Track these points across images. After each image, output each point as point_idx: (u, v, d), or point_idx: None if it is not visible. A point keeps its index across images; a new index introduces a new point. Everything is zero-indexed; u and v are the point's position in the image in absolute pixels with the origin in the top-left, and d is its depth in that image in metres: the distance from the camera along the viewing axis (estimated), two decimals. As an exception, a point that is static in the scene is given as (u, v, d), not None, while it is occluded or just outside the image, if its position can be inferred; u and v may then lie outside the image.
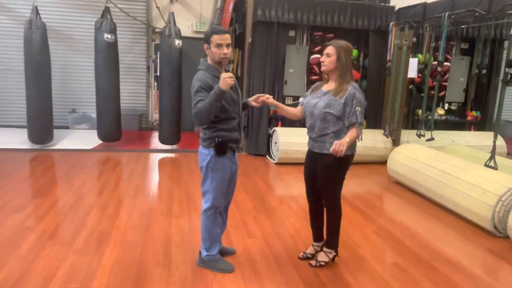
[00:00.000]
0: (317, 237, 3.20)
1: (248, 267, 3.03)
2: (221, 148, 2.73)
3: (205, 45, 2.70)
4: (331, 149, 2.66)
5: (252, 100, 2.99)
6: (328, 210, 3.00)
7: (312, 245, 3.23)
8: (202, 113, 2.60)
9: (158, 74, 8.15)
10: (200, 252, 3.04)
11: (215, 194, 2.83)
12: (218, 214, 2.93)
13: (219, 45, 2.65)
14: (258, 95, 2.99)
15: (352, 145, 2.85)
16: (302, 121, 3.18)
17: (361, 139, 2.85)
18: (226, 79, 2.53)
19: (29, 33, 6.08)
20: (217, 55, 2.68)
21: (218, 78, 2.63)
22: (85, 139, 7.21)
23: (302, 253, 3.20)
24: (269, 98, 2.94)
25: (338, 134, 2.81)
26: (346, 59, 2.81)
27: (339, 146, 2.62)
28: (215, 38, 2.65)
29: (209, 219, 2.90)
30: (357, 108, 2.75)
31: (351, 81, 2.85)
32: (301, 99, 3.15)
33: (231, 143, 2.80)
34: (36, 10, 6.13)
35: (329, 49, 2.83)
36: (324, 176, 2.92)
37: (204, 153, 2.79)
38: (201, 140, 2.82)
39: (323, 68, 2.90)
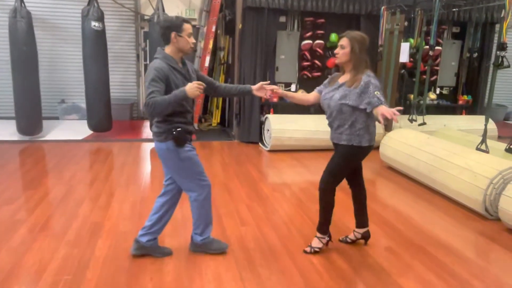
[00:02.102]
0: (357, 223, 3.23)
1: (242, 255, 3.03)
2: (181, 138, 2.66)
3: (173, 33, 2.60)
4: (382, 119, 2.55)
5: (256, 90, 2.95)
6: (322, 193, 3.00)
7: (354, 231, 3.27)
8: (157, 106, 2.48)
9: (148, 62, 8.06)
10: (192, 238, 3.04)
11: (196, 181, 2.81)
12: (208, 196, 2.89)
13: (190, 34, 2.64)
14: (261, 83, 2.96)
15: (370, 138, 2.88)
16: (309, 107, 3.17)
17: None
18: (196, 88, 2.49)
19: (14, 22, 5.95)
20: (189, 45, 2.66)
21: (175, 69, 2.61)
22: (75, 129, 7.13)
23: (308, 248, 3.10)
24: (278, 90, 2.95)
25: (353, 125, 2.82)
26: (360, 51, 2.80)
27: (388, 113, 2.51)
28: (188, 27, 2.64)
29: (205, 203, 2.88)
30: (376, 93, 2.71)
31: (366, 71, 2.82)
32: (317, 88, 3.12)
33: (187, 134, 2.73)
34: (20, -2, 5.99)
35: (343, 41, 2.82)
36: (334, 161, 2.96)
37: (163, 148, 2.70)
38: (156, 135, 2.71)
39: (337, 61, 2.91)
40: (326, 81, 3.09)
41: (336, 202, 3.07)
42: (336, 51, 2.89)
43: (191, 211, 2.95)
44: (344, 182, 3.14)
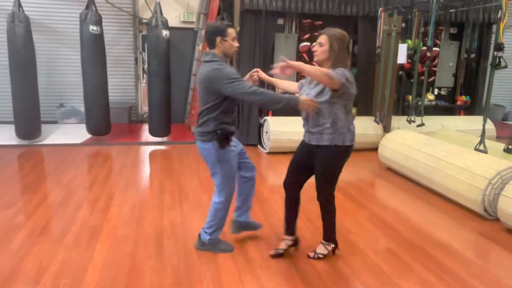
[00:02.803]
0: (290, 230, 3.07)
1: (242, 257, 3.03)
2: (224, 141, 2.79)
3: (218, 38, 2.74)
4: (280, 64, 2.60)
5: (246, 80, 2.99)
6: (322, 203, 2.94)
7: (284, 239, 3.09)
8: (266, 97, 2.67)
9: (146, 66, 8.07)
10: (199, 236, 3.11)
11: (230, 185, 2.95)
12: (229, 203, 3.02)
13: (234, 38, 2.79)
14: (249, 73, 3.03)
15: (352, 136, 2.82)
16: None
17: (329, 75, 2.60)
18: (311, 106, 2.67)
19: (12, 27, 5.94)
20: (233, 48, 2.80)
21: None
22: (74, 133, 7.13)
23: (273, 251, 3.03)
24: (258, 71, 2.92)
25: (335, 123, 2.72)
26: (340, 48, 2.70)
27: (286, 62, 2.58)
28: (231, 31, 2.78)
29: (224, 209, 3.00)
30: (338, 72, 2.62)
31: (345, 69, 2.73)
32: (301, 81, 3.07)
33: (230, 136, 2.86)
34: (18, 3, 5.99)
35: (322, 38, 2.73)
36: (322, 168, 2.84)
37: (207, 148, 2.83)
38: (201, 134, 2.83)
39: (315, 59, 2.79)
40: (303, 80, 3.03)
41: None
42: (314, 48, 2.78)
43: (208, 211, 3.07)
44: (342, 184, 3.13)
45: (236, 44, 2.81)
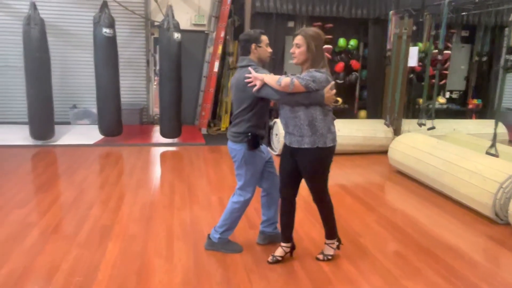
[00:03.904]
0: (287, 237, 3.02)
1: (250, 258, 3.05)
2: (254, 143, 2.87)
3: (253, 45, 2.85)
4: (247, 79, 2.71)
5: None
6: (318, 204, 2.95)
7: (281, 246, 3.03)
8: (298, 97, 2.67)
9: (157, 68, 8.15)
10: (209, 236, 3.16)
11: (252, 186, 3.02)
12: (246, 205, 3.08)
13: (267, 44, 2.90)
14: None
15: (333, 137, 2.78)
16: None
17: (280, 84, 2.63)
18: (333, 98, 2.72)
19: (28, 29, 6.07)
20: (267, 53, 2.91)
21: None
22: (86, 134, 7.23)
23: (271, 257, 3.00)
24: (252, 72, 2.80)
25: (313, 125, 2.69)
26: (317, 48, 2.67)
27: (254, 78, 2.69)
28: (265, 38, 2.89)
29: (241, 209, 3.07)
30: (304, 76, 2.62)
31: (323, 68, 2.71)
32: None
33: (259, 139, 2.93)
34: (34, 6, 6.11)
35: (298, 39, 2.69)
36: (308, 172, 2.83)
37: (237, 149, 2.92)
38: (233, 135, 2.94)
39: (294, 61, 2.75)
40: None
41: (343, 206, 3.07)
42: (291, 50, 2.75)
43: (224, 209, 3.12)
44: (351, 187, 3.14)
45: (269, 49, 2.91)
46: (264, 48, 2.89)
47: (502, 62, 5.90)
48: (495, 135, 4.63)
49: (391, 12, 6.42)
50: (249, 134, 2.85)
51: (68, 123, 8.10)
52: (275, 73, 3.14)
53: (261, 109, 2.89)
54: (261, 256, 3.08)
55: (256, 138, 2.87)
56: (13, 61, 7.84)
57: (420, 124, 6.12)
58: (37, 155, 5.94)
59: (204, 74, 8.27)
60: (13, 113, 8.09)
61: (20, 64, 6.56)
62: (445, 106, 7.48)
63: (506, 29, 7.22)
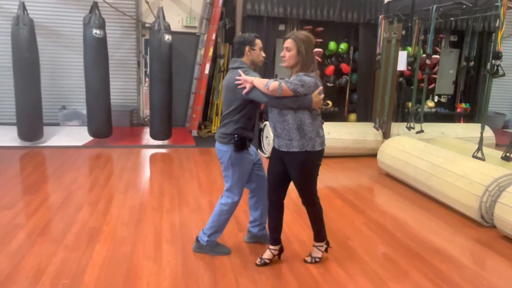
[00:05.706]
0: (275, 239, 3.02)
1: (239, 260, 3.05)
2: (241, 145, 2.87)
3: (247, 47, 2.87)
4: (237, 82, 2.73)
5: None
6: (307, 207, 2.96)
7: (269, 249, 3.03)
8: (286, 100, 2.67)
9: (148, 69, 8.12)
10: (197, 239, 3.16)
11: (239, 188, 3.02)
12: (233, 208, 3.07)
13: (261, 48, 2.93)
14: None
15: (322, 141, 2.79)
16: None
17: (268, 88, 2.63)
18: (320, 103, 2.74)
19: (17, 30, 6.01)
20: (260, 57, 2.94)
21: None
22: (75, 135, 7.17)
23: (259, 259, 3.01)
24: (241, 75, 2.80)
25: (301, 129, 2.70)
26: (307, 51, 2.68)
27: (244, 80, 2.71)
28: (259, 42, 2.92)
29: (229, 211, 3.06)
30: (291, 80, 2.63)
31: (313, 72, 2.72)
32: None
33: (247, 141, 2.93)
34: (23, 6, 6.06)
35: (288, 43, 2.70)
36: (297, 175, 2.83)
37: (223, 150, 2.92)
38: (220, 136, 2.93)
39: (284, 64, 2.77)
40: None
41: (332, 209, 3.09)
42: (282, 54, 2.76)
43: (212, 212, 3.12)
44: (341, 190, 3.16)
45: (263, 54, 2.94)
46: (258, 51, 2.91)
47: (488, 67, 5.98)
48: (481, 139, 4.69)
49: (380, 17, 6.48)
50: (236, 136, 2.84)
51: (57, 124, 8.03)
52: (266, 76, 3.15)
53: (250, 111, 2.89)
54: (249, 259, 3.08)
55: (243, 140, 2.87)
56: (1, 62, 7.76)
57: (409, 128, 6.18)
58: (25, 157, 5.88)
59: (195, 76, 8.27)
60: (1, 114, 8.00)
61: (9, 64, 6.49)
62: (433, 110, 7.55)
63: (494, 34, 7.34)
